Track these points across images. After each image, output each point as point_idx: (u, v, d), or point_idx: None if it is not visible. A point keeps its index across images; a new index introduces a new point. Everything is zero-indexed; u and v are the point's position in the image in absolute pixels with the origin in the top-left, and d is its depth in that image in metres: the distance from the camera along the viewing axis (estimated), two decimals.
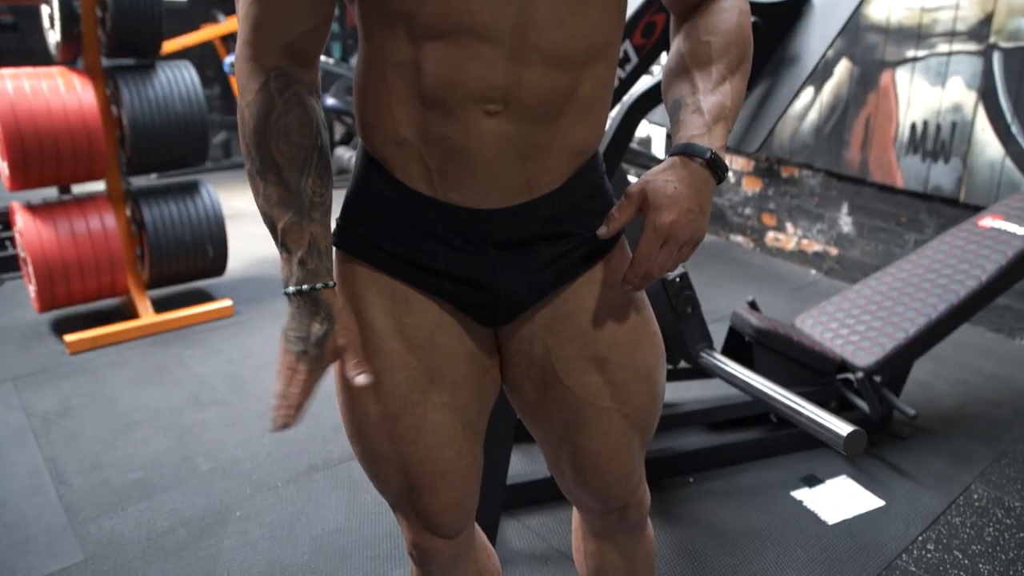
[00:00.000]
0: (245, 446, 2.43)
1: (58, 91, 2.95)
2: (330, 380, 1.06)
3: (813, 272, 4.09)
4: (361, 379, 0.96)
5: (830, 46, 1.87)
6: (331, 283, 0.95)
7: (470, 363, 1.07)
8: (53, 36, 3.18)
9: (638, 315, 1.09)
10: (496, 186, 0.95)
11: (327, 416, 2.39)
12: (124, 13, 2.97)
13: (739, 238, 4.49)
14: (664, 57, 2.23)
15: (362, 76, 0.97)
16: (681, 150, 0.95)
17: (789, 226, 4.19)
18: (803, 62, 1.87)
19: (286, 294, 0.95)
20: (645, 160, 4.36)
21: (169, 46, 5.13)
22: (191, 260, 3.35)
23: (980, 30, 3.17)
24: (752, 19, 1.31)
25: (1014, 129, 3.13)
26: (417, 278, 1.01)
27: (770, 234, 4.30)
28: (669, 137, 4.55)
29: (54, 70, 3.05)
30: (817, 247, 4.07)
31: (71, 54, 3.17)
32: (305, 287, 0.93)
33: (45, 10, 3.23)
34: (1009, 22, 3.08)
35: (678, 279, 2.15)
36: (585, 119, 0.97)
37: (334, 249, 1.04)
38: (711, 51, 1.00)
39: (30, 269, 3.02)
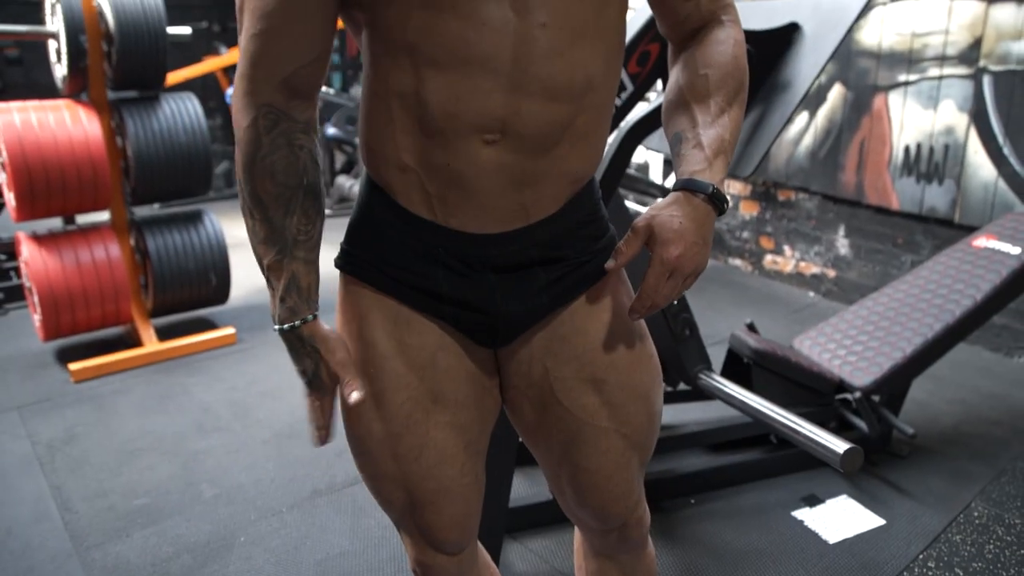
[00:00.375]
0: (249, 472, 2.44)
1: (64, 123, 3.00)
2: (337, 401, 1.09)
3: (811, 294, 4.12)
4: (355, 396, 0.99)
5: (821, 72, 1.91)
6: (310, 317, 0.99)
7: (471, 383, 1.09)
8: (60, 70, 3.23)
9: (634, 337, 1.11)
10: (494, 212, 0.98)
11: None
12: (130, 48, 3.03)
13: (737, 261, 4.52)
14: (659, 84, 2.28)
15: (367, 105, 0.99)
16: (684, 185, 0.99)
17: (787, 249, 4.22)
18: (795, 88, 1.92)
19: (275, 331, 0.99)
20: (643, 186, 4.39)
21: (172, 78, 5.20)
22: (194, 289, 3.38)
23: (970, 54, 3.22)
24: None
25: (1006, 150, 3.17)
26: (419, 301, 1.04)
27: (768, 257, 4.34)
28: (667, 163, 4.61)
29: (60, 103, 3.11)
30: (815, 269, 4.10)
31: (77, 87, 3.23)
32: (286, 326, 0.98)
33: (52, 44, 3.29)
34: (998, 46, 3.13)
35: (675, 302, 2.18)
36: (582, 148, 1.00)
37: (339, 273, 1.08)
38: (709, 84, 1.03)
39: (35, 298, 3.05)
